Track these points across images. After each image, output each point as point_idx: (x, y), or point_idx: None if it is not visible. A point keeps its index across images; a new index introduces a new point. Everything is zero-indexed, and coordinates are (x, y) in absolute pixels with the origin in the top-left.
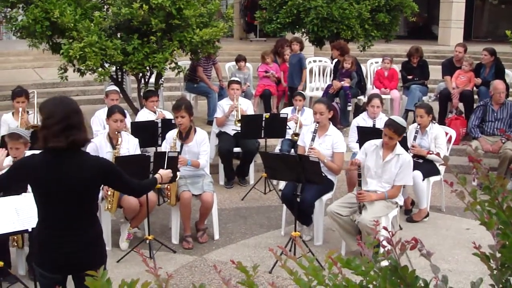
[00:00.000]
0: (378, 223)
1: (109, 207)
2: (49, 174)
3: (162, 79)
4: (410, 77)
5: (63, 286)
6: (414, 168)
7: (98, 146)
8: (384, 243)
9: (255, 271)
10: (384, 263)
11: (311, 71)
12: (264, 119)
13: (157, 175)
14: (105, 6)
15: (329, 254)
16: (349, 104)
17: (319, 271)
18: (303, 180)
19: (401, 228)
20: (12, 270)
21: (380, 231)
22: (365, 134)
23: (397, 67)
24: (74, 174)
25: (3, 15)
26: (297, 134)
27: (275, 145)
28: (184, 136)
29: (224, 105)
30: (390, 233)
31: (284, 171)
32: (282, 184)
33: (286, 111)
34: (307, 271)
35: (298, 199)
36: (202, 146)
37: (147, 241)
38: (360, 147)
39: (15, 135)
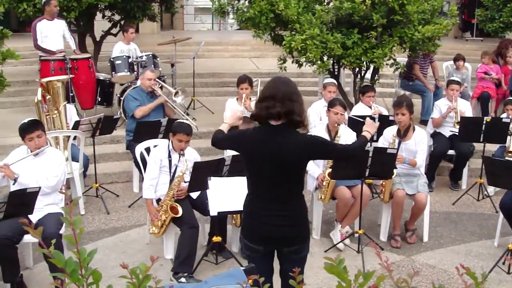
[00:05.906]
0: None
1: (322, 197)
2: (261, 147)
3: (378, 75)
4: None
5: (269, 262)
6: None
7: None
8: None
9: (484, 279)
10: None
11: None
12: (485, 122)
13: (364, 133)
14: (326, 0)
15: None
16: None
17: None
18: None
19: None
20: (226, 246)
21: None
22: None
23: None
24: (284, 149)
25: (231, 7)
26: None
27: (491, 150)
28: (403, 134)
29: (441, 105)
30: None
31: (507, 179)
32: (490, 190)
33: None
34: None
35: None
36: (420, 145)
37: (356, 235)
38: None
39: (247, 119)
